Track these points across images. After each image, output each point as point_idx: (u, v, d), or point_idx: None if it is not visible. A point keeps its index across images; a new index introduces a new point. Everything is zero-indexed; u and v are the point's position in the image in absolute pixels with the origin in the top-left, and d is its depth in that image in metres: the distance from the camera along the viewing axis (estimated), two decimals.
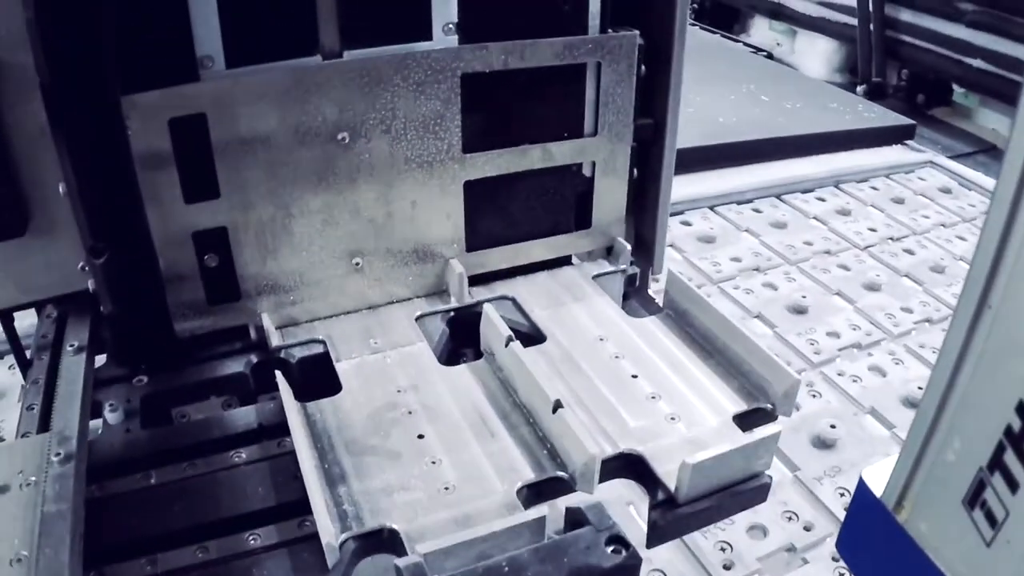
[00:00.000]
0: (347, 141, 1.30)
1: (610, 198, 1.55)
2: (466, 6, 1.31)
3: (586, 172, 1.53)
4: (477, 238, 1.49)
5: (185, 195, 1.23)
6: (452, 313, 1.45)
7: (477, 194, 1.45)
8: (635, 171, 1.56)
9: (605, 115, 1.47)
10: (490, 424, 1.22)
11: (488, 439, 1.19)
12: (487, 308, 1.34)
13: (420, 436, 1.19)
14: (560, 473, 1.12)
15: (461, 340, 1.44)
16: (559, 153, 1.47)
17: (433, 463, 1.14)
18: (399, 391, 1.27)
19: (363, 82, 1.27)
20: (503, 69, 1.36)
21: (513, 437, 1.19)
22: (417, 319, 1.43)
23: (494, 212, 1.49)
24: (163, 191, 1.21)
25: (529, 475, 1.13)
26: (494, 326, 1.31)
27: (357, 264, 1.40)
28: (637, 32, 1.43)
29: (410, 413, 1.23)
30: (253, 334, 1.37)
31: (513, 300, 1.46)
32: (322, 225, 1.35)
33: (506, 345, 1.26)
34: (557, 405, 1.14)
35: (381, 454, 1.16)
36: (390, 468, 1.14)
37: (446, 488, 1.11)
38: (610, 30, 1.43)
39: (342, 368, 1.32)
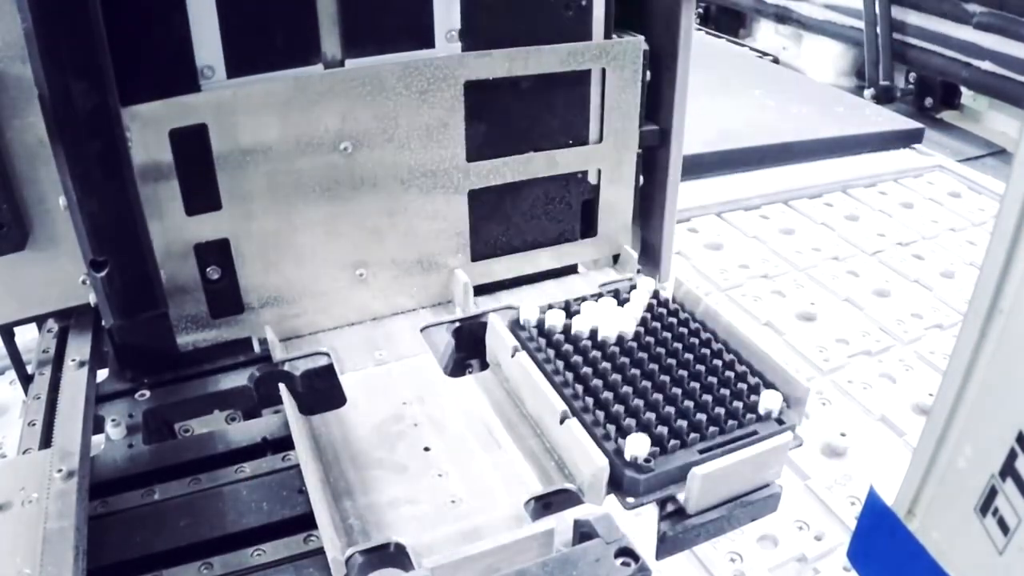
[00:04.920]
0: (350, 151, 1.29)
1: (616, 205, 1.55)
2: (469, 13, 1.31)
3: (592, 179, 1.52)
4: (482, 247, 1.48)
5: (186, 207, 1.23)
6: (457, 324, 1.44)
7: (482, 203, 1.44)
8: (641, 178, 1.55)
9: (610, 122, 1.46)
10: (497, 435, 1.21)
11: (495, 451, 1.19)
12: (493, 318, 1.33)
13: (426, 449, 1.19)
14: (568, 485, 1.11)
15: (467, 351, 1.43)
16: (564, 161, 1.46)
17: (440, 476, 1.14)
18: (404, 403, 1.27)
19: (365, 91, 1.27)
20: (507, 76, 1.35)
21: (520, 448, 1.19)
22: (422, 330, 1.42)
23: (499, 221, 1.48)
24: (164, 203, 1.21)
25: (537, 487, 1.12)
26: (500, 336, 1.30)
27: (361, 275, 1.39)
28: (642, 38, 1.43)
29: (416, 425, 1.22)
30: (256, 347, 1.36)
31: (519, 310, 1.45)
32: (325, 236, 1.34)
33: (512, 355, 1.25)
34: (564, 416, 1.13)
35: (387, 467, 1.15)
36: (396, 481, 1.13)
37: (453, 501, 1.10)
38: (614, 36, 1.42)
39: (347, 381, 1.31)
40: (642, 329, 1.31)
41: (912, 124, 3.60)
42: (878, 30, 4.57)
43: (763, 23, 5.71)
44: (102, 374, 1.31)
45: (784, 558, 1.61)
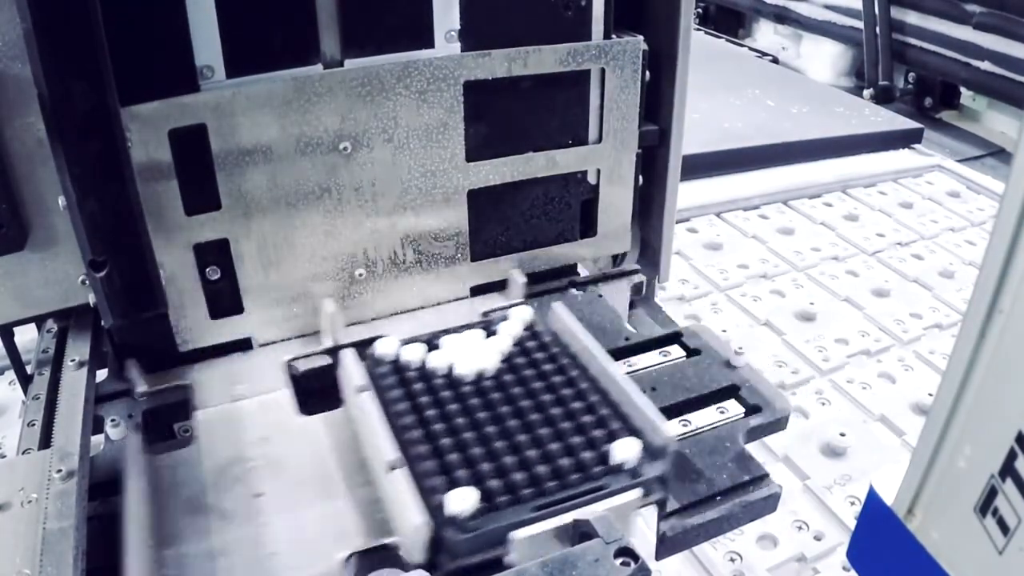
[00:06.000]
0: (349, 151, 1.29)
1: (615, 206, 1.55)
2: (468, 13, 1.31)
3: (591, 179, 1.52)
4: (482, 247, 1.48)
5: (186, 207, 1.22)
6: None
7: (482, 203, 1.44)
8: (640, 178, 1.55)
9: (610, 122, 1.46)
10: (332, 482, 1.15)
11: (325, 499, 1.12)
12: (345, 354, 1.26)
13: (258, 495, 1.13)
14: (392, 540, 1.05)
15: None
16: (563, 161, 1.46)
17: (265, 525, 1.08)
18: (250, 444, 1.20)
19: (365, 91, 1.27)
20: (506, 76, 1.35)
21: (353, 498, 1.12)
22: (287, 363, 1.34)
23: (499, 221, 1.48)
24: (164, 203, 1.21)
25: (359, 542, 1.06)
26: (348, 373, 1.23)
27: (360, 275, 1.39)
28: (641, 38, 1.43)
29: (255, 469, 1.16)
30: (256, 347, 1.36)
31: (375, 344, 1.31)
32: (324, 236, 1.34)
33: (358, 393, 1.18)
34: (393, 465, 1.05)
35: (215, 514, 1.09)
36: (220, 530, 1.07)
37: (270, 553, 1.04)
38: (614, 36, 1.42)
39: (200, 417, 1.25)
40: (505, 365, 1.23)
41: (911, 124, 3.61)
42: (877, 30, 4.58)
43: (762, 23, 5.72)
44: (102, 374, 1.31)
45: (783, 558, 1.61)
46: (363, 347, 1.27)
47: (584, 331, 1.28)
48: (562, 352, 1.26)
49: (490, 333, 1.29)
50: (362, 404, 1.15)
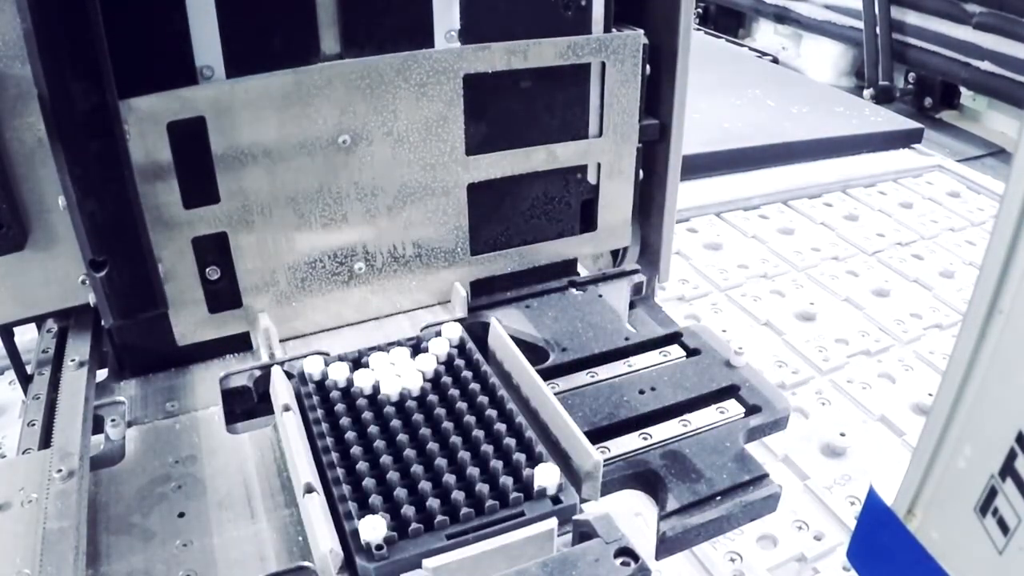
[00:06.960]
0: (348, 144, 1.29)
1: (616, 200, 1.55)
2: (468, 13, 1.31)
3: (591, 179, 1.52)
4: (482, 242, 1.48)
5: (184, 200, 1.23)
6: (258, 372, 1.32)
7: (481, 198, 1.44)
8: (641, 173, 1.54)
9: (610, 116, 1.46)
10: (254, 503, 1.12)
11: (247, 520, 1.10)
12: (275, 371, 1.24)
13: (181, 515, 1.09)
14: (306, 563, 1.03)
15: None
16: (564, 155, 1.46)
17: (184, 546, 1.05)
18: (177, 462, 1.18)
19: (364, 84, 1.27)
20: (506, 70, 1.35)
21: (273, 518, 1.10)
22: (222, 379, 1.31)
23: (499, 216, 1.48)
24: (162, 197, 1.21)
25: (275, 565, 1.04)
26: (276, 392, 1.21)
27: (360, 269, 1.39)
28: (642, 31, 1.42)
29: (180, 488, 1.13)
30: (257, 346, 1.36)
31: (303, 362, 1.27)
32: (323, 230, 1.34)
33: (283, 413, 1.17)
34: (308, 488, 1.03)
35: (136, 534, 1.07)
36: (140, 550, 1.04)
37: (186, 575, 1.02)
38: (614, 30, 1.42)
39: (131, 435, 1.22)
40: (430, 385, 1.22)
41: (911, 124, 3.60)
42: (877, 30, 4.57)
43: (762, 23, 5.71)
44: (102, 374, 1.31)
45: (784, 558, 1.61)
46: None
47: (516, 350, 1.28)
48: (491, 372, 1.25)
49: (420, 351, 1.28)
50: (285, 424, 1.14)
